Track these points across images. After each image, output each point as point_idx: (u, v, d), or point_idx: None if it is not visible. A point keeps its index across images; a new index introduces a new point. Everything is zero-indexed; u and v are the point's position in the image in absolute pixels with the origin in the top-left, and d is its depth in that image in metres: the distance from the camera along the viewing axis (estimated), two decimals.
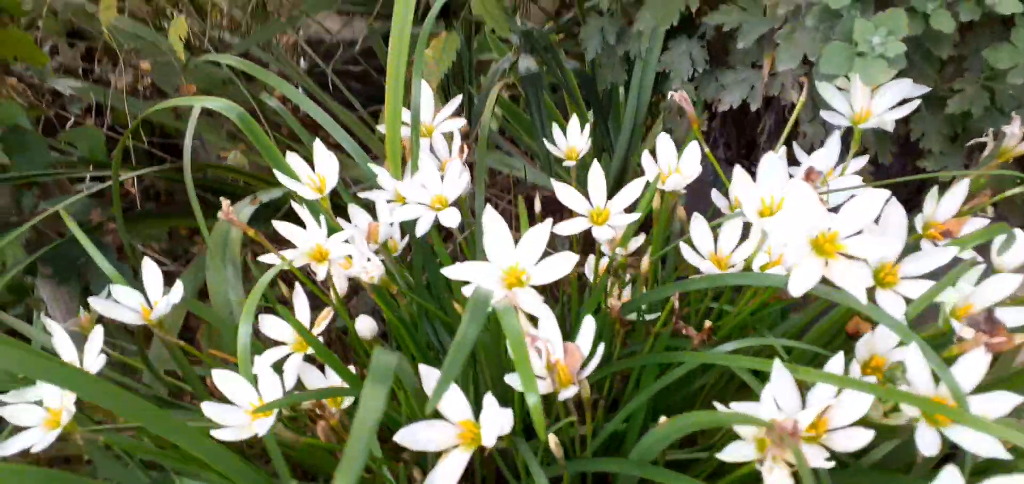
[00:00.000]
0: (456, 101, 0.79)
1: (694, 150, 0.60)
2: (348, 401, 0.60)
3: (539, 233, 0.51)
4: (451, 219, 0.64)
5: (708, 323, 0.54)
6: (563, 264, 0.48)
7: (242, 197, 0.99)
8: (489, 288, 0.48)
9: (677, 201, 0.65)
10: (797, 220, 0.46)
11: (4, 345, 0.48)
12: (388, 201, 0.70)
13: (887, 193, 0.47)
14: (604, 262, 0.64)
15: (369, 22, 1.37)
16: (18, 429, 0.53)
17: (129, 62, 1.24)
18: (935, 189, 0.61)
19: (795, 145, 0.70)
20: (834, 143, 0.65)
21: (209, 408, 0.48)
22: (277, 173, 0.64)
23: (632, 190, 0.59)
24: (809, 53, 0.62)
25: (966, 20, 0.58)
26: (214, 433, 0.46)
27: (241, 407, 0.49)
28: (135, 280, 0.86)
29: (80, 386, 0.48)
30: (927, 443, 0.43)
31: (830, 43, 0.55)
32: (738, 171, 0.51)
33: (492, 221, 0.51)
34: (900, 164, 0.81)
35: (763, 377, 0.47)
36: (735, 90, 0.79)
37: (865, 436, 0.43)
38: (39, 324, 0.82)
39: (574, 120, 0.77)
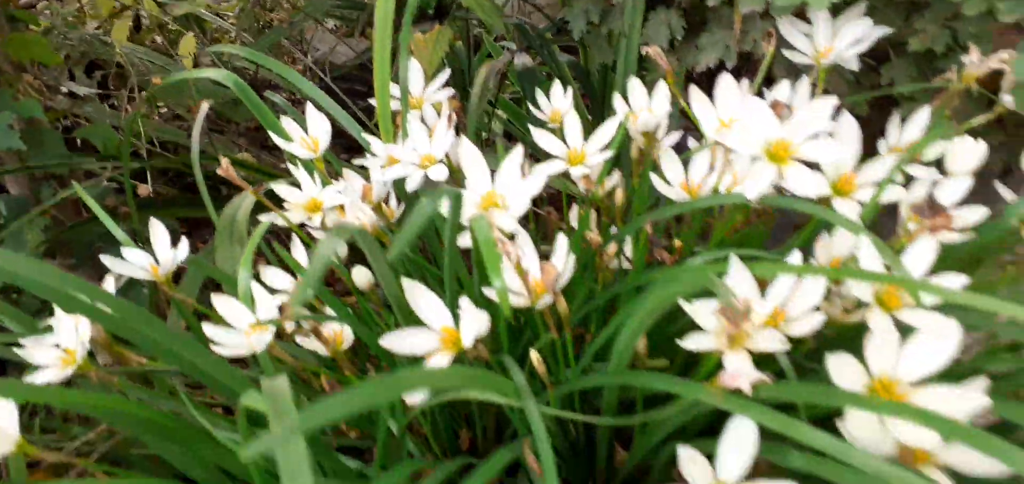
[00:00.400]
0: (445, 73, 0.83)
1: (663, 89, 0.64)
2: (348, 341, 0.63)
3: (514, 160, 0.54)
4: (438, 174, 0.68)
5: (678, 242, 0.57)
6: (534, 183, 0.51)
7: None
8: (471, 207, 0.51)
9: (655, 145, 0.68)
10: (751, 128, 0.50)
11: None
12: (381, 167, 0.74)
13: (835, 99, 0.50)
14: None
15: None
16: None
17: (141, 87, 1.30)
18: (898, 116, 0.64)
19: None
20: (804, 86, 0.68)
21: (209, 329, 0.51)
22: (273, 135, 0.68)
23: (606, 130, 0.63)
24: None
25: None
26: (213, 348, 0.50)
27: (239, 329, 0.53)
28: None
29: (101, 316, 0.52)
30: (880, 328, 0.46)
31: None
32: (694, 91, 0.55)
33: (469, 151, 0.55)
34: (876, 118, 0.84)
35: None
36: (711, 51, 0.82)
37: (819, 319, 0.46)
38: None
39: (557, 83, 0.81)
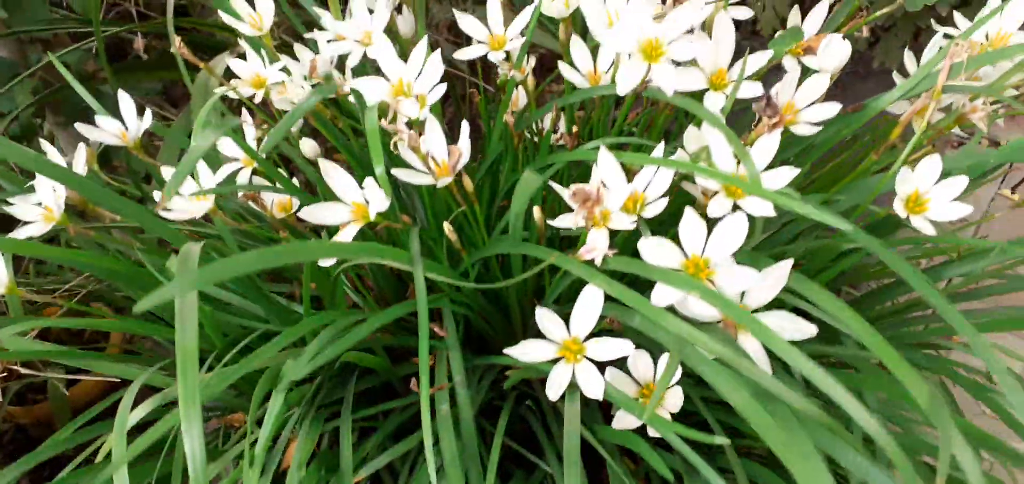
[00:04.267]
0: None
1: None
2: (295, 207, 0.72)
3: (419, 50, 0.60)
4: (379, 52, 0.74)
5: (575, 128, 0.64)
6: (434, 71, 0.58)
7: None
8: (378, 97, 0.58)
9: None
10: (626, 28, 0.55)
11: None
12: (329, 42, 0.80)
13: (703, 4, 0.55)
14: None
15: None
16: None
17: None
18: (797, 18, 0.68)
19: None
20: None
21: (159, 197, 0.60)
22: (221, 14, 0.74)
23: (523, 17, 0.68)
24: None
25: None
26: (163, 214, 0.59)
27: (184, 196, 0.62)
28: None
29: (69, 180, 0.61)
30: (718, 210, 0.53)
31: None
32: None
33: (381, 43, 0.61)
34: None
35: None
36: None
37: (663, 204, 0.53)
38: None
39: None
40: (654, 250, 0.47)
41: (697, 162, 0.57)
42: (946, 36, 0.65)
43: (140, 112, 0.75)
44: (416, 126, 0.60)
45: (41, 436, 1.11)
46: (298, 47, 0.81)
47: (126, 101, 0.75)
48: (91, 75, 0.99)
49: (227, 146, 0.74)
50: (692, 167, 0.52)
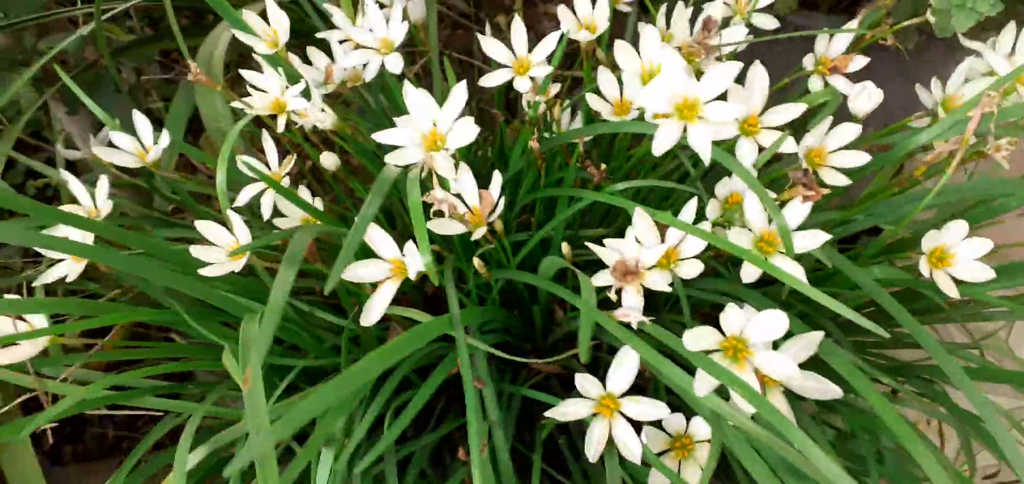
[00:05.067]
0: None
1: (603, 6, 0.67)
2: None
3: (456, 99, 0.60)
4: (395, 65, 0.72)
5: (603, 167, 0.64)
6: (470, 131, 0.57)
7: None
8: (411, 153, 0.58)
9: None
10: (663, 88, 0.55)
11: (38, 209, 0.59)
12: (341, 42, 0.78)
13: (739, 64, 0.55)
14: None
15: None
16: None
17: None
18: (826, 36, 0.67)
19: None
20: None
21: (197, 250, 0.61)
22: (235, 31, 0.71)
23: (549, 41, 0.67)
24: None
25: None
26: (202, 272, 0.59)
27: (221, 247, 0.62)
28: (133, 104, 0.97)
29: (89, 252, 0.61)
30: (750, 275, 0.55)
31: None
32: (619, 44, 0.59)
33: (413, 93, 0.60)
34: None
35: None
36: None
37: (699, 267, 0.55)
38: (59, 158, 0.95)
39: None
40: (697, 340, 0.49)
41: (729, 216, 0.58)
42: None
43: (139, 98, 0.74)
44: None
45: None
46: (312, 51, 0.79)
47: (141, 121, 0.74)
48: (93, 63, 0.96)
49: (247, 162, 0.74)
50: (724, 244, 0.53)
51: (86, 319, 0.60)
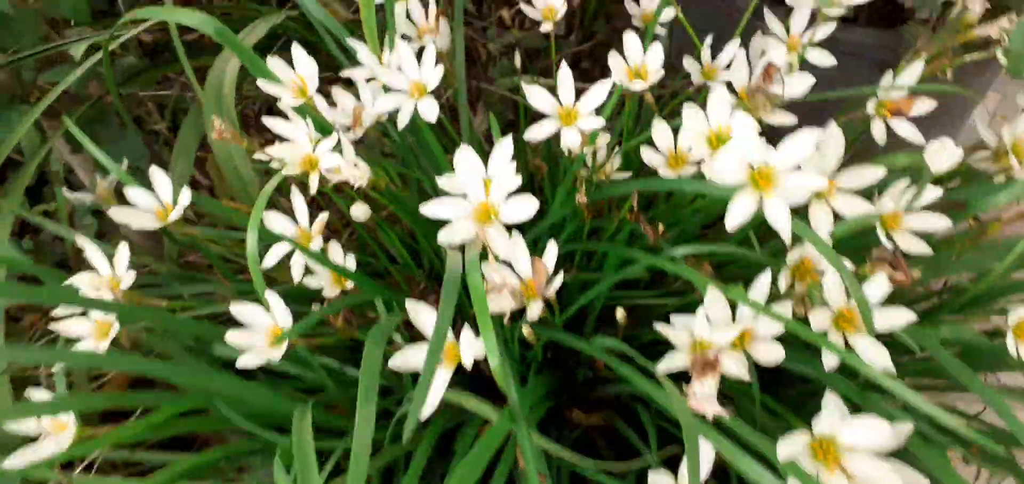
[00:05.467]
0: None
1: (657, 51, 0.62)
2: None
3: (504, 165, 0.55)
4: (429, 111, 0.68)
5: (661, 227, 0.60)
6: (527, 207, 0.53)
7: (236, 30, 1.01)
8: (462, 229, 0.54)
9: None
10: (737, 156, 0.51)
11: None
12: (367, 80, 0.73)
13: (818, 131, 0.51)
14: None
15: None
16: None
17: None
18: (889, 73, 0.63)
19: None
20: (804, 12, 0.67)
21: (233, 337, 0.57)
22: (260, 82, 0.67)
23: (599, 91, 0.62)
24: None
25: None
26: (239, 363, 0.55)
27: (260, 332, 0.58)
28: (140, 136, 0.92)
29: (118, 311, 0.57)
30: (830, 363, 0.52)
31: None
32: (687, 108, 0.55)
33: (464, 158, 0.56)
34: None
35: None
36: None
37: (779, 352, 0.52)
38: (60, 196, 0.89)
39: None
40: (788, 448, 0.46)
41: (810, 290, 0.54)
42: None
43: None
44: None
45: None
46: (337, 92, 0.75)
47: (160, 178, 0.69)
48: (97, 98, 0.90)
49: (274, 219, 0.69)
50: (805, 332, 0.50)
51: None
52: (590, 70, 1.37)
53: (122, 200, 0.76)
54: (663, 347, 0.53)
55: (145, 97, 1.15)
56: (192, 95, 1.25)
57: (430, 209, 0.56)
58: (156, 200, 0.70)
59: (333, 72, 0.79)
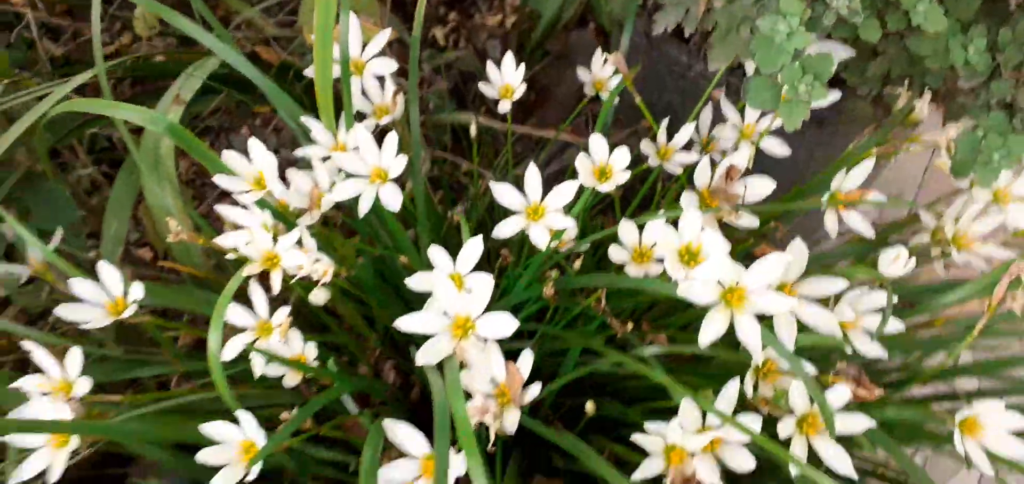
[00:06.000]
0: (385, 33, 0.77)
1: (623, 154, 0.63)
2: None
3: (482, 281, 0.56)
4: (392, 199, 0.67)
5: (630, 324, 0.62)
6: (505, 325, 0.53)
7: (169, 78, 0.96)
8: (443, 345, 0.54)
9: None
10: (710, 277, 0.53)
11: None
12: (323, 159, 0.71)
13: (788, 258, 0.53)
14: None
15: None
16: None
17: None
18: (843, 170, 0.66)
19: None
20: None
21: (205, 456, 0.55)
22: (217, 177, 0.64)
23: (565, 191, 0.63)
24: (741, 55, 0.63)
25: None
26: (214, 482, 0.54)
27: (231, 446, 0.56)
28: (70, 207, 0.87)
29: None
30: (796, 450, 0.55)
31: (754, 82, 0.56)
32: (654, 225, 0.56)
33: (437, 272, 0.55)
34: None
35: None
36: (671, 13, 0.78)
37: (750, 460, 0.54)
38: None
39: (508, 56, 0.77)
40: None
41: (774, 397, 0.57)
42: None
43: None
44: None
45: None
46: (293, 173, 0.73)
47: (109, 273, 0.66)
48: (28, 168, 0.85)
49: (234, 313, 0.67)
50: (774, 448, 0.52)
51: None
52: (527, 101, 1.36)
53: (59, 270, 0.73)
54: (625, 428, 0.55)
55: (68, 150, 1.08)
56: (118, 135, 1.20)
57: (407, 323, 0.55)
58: (105, 293, 0.67)
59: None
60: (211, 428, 0.56)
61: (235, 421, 0.57)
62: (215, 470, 0.56)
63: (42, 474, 0.58)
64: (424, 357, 0.53)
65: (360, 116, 0.78)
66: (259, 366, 0.65)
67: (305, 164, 0.74)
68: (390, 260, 0.81)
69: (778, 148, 0.71)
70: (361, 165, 0.69)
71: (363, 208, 0.67)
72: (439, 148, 1.22)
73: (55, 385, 0.62)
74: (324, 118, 0.74)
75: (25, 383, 0.61)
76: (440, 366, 0.55)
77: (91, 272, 0.66)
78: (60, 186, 0.83)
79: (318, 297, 0.70)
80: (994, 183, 0.61)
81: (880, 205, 0.64)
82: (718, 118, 0.76)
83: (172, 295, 0.81)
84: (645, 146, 0.73)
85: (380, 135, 0.70)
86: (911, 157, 0.68)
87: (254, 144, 0.65)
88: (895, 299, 0.57)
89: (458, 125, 1.22)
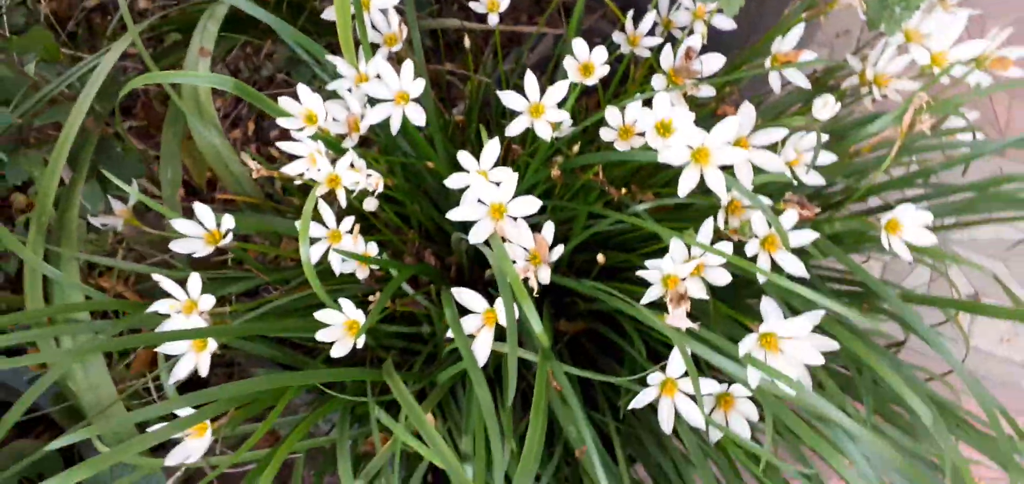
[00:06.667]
0: None
1: (601, 52, 0.78)
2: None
3: (508, 175, 0.72)
4: (417, 115, 0.81)
5: (624, 190, 0.78)
6: (530, 204, 0.70)
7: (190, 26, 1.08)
8: (484, 227, 0.71)
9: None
10: (682, 143, 0.69)
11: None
12: (348, 89, 0.85)
13: (737, 120, 0.69)
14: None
15: None
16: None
17: None
18: (780, 35, 0.81)
19: None
20: None
21: (324, 335, 0.73)
22: (280, 120, 0.79)
23: (559, 90, 0.78)
24: None
25: None
26: (333, 353, 0.72)
27: (337, 327, 0.74)
28: (136, 162, 1.01)
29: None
30: (762, 263, 0.72)
31: None
32: (634, 107, 0.72)
33: (471, 173, 0.71)
34: None
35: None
36: None
37: (726, 276, 0.72)
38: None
39: None
40: (745, 346, 0.66)
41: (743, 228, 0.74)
42: None
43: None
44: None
45: None
46: (330, 104, 0.87)
47: (203, 210, 0.81)
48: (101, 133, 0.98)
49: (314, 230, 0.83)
50: (744, 264, 0.70)
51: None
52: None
53: (139, 215, 0.89)
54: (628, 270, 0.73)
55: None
56: (154, 90, 1.32)
57: (456, 214, 0.71)
58: (201, 227, 0.82)
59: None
60: (324, 315, 0.73)
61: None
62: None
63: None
64: (475, 236, 0.70)
65: (374, 47, 0.92)
66: (337, 264, 0.81)
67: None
68: (413, 167, 0.97)
69: (725, 24, 0.85)
70: (386, 91, 0.83)
71: (395, 127, 0.82)
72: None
73: (183, 305, 0.78)
74: (346, 55, 0.87)
75: (160, 306, 0.78)
76: (486, 242, 0.71)
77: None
78: (130, 146, 0.96)
79: (370, 204, 0.86)
80: (899, 31, 0.76)
81: (813, 64, 0.79)
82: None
83: (241, 220, 0.96)
84: (617, 36, 0.88)
85: (391, 61, 0.84)
86: (850, 12, 0.83)
87: (303, 89, 0.79)
88: (827, 136, 0.74)
89: (441, 28, 1.34)
